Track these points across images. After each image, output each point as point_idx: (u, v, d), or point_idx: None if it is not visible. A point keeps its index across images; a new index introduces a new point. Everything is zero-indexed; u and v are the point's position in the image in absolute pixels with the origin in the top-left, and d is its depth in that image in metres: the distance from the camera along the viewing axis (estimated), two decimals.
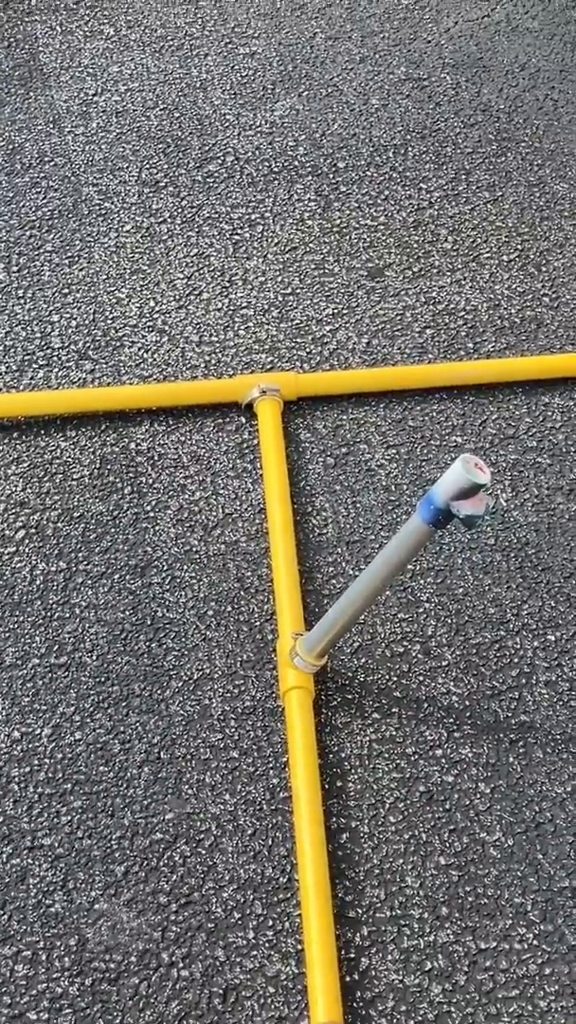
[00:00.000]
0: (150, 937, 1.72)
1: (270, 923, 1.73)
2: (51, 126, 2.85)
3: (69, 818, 1.83)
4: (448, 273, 2.56)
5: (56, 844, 1.80)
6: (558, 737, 1.91)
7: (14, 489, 2.21)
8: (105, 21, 3.09)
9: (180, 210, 2.68)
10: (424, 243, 2.62)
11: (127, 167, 2.76)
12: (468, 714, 1.94)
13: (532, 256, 2.59)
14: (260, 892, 1.76)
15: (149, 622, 2.04)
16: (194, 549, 2.13)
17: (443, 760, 1.89)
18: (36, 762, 1.88)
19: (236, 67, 2.99)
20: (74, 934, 1.72)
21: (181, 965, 1.70)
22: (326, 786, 1.85)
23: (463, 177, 2.75)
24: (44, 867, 1.78)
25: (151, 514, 2.18)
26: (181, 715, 1.93)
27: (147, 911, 1.74)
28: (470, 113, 2.90)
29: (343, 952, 1.70)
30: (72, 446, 2.27)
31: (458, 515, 1.66)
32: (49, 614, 2.04)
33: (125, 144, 2.81)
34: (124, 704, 1.94)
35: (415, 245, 2.62)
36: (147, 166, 2.77)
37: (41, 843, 1.80)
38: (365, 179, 2.75)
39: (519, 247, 2.61)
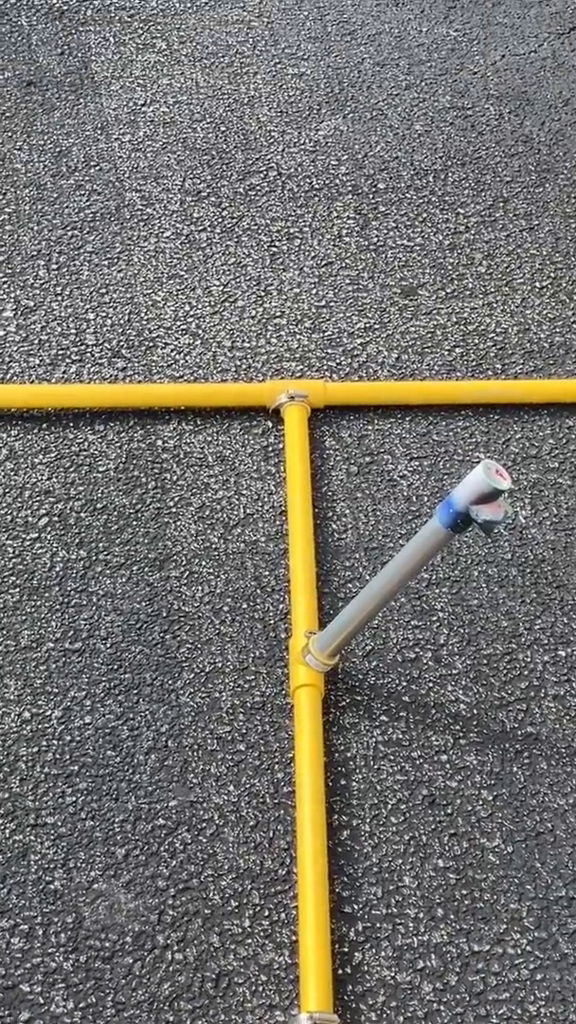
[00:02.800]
0: (146, 919, 1.73)
1: (266, 913, 1.74)
2: (99, 132, 2.90)
3: (74, 799, 1.84)
4: (480, 296, 2.59)
5: (59, 823, 1.82)
6: (563, 750, 1.91)
7: (40, 478, 2.24)
8: (158, 35, 3.14)
9: (220, 220, 2.72)
10: (459, 266, 2.65)
11: (171, 176, 2.81)
12: (475, 722, 1.95)
13: (565, 284, 2.62)
14: (258, 882, 1.77)
15: (164, 614, 2.06)
16: (213, 546, 2.16)
17: (447, 765, 1.90)
18: (44, 743, 1.90)
19: (284, 86, 3.03)
20: (71, 912, 1.74)
21: (176, 948, 1.71)
22: (330, 783, 1.87)
23: (501, 204, 2.79)
24: (46, 845, 1.80)
25: (173, 510, 2.21)
26: (191, 706, 1.95)
27: (145, 894, 1.76)
28: (511, 143, 2.93)
29: (337, 946, 1.71)
30: (99, 440, 2.30)
31: (477, 520, 1.68)
32: (66, 600, 2.07)
33: (170, 154, 2.86)
34: (135, 692, 1.96)
35: (449, 267, 2.65)
36: (190, 176, 2.81)
37: (45, 821, 1.82)
38: (404, 201, 2.79)
39: (552, 275, 2.64)
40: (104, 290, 2.57)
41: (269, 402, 2.34)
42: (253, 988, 1.68)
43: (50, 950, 1.70)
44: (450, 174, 2.85)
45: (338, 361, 2.46)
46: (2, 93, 2.97)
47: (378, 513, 2.22)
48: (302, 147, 2.90)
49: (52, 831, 1.81)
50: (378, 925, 1.73)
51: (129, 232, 2.69)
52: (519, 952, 1.71)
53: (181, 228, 2.70)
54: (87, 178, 2.79)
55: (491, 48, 3.19)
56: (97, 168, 2.81)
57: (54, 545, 2.14)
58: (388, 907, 1.75)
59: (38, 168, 2.80)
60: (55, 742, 1.90)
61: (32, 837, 1.80)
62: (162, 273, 2.61)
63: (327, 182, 2.82)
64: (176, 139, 2.90)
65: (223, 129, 2.93)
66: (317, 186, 2.81)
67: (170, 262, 2.63)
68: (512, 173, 2.86)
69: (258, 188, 2.80)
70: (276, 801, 1.85)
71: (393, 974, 1.69)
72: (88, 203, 2.74)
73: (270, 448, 2.31)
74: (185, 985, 1.68)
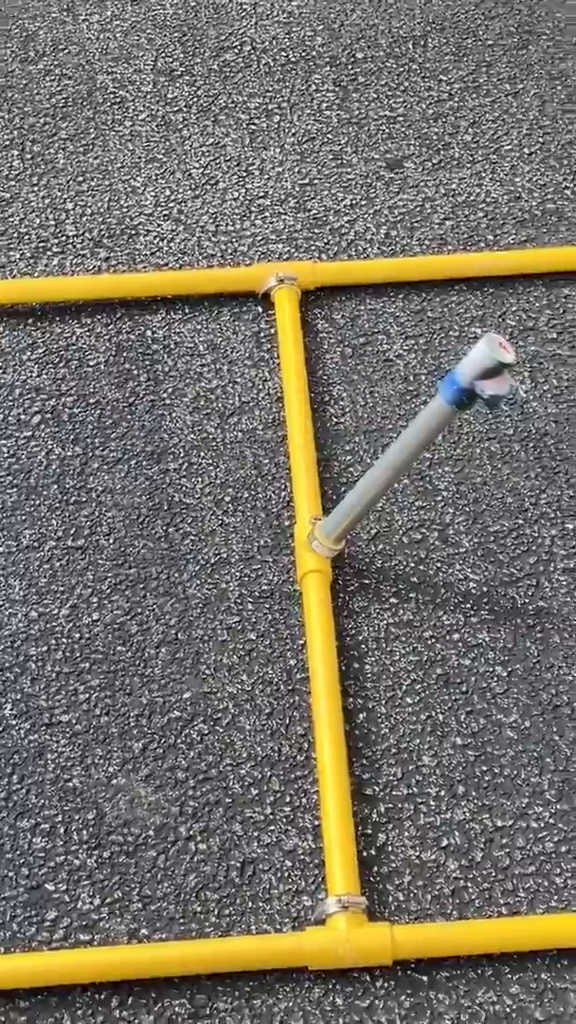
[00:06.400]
0: (168, 812, 1.73)
1: (287, 799, 1.74)
2: (65, 14, 2.79)
3: (87, 696, 1.83)
4: (468, 165, 2.52)
5: (74, 721, 1.81)
6: (575, 623, 1.90)
7: (29, 375, 2.19)
8: None
9: (196, 99, 2.64)
10: (444, 135, 2.58)
11: (142, 56, 2.71)
12: (485, 600, 1.93)
13: (553, 149, 2.55)
14: (277, 769, 1.76)
15: (166, 507, 2.03)
16: (211, 436, 2.12)
17: (460, 644, 1.89)
18: (53, 641, 1.88)
19: None
20: (92, 808, 1.73)
21: (199, 839, 1.71)
22: (343, 668, 1.85)
23: (484, 69, 2.71)
24: (62, 743, 1.79)
25: (167, 401, 2.16)
26: (198, 598, 1.93)
27: (165, 786, 1.75)
28: (491, 5, 2.84)
29: (360, 828, 1.71)
30: (87, 333, 2.25)
31: (482, 395, 1.64)
32: (65, 498, 2.04)
33: (140, 32, 2.76)
34: (141, 586, 1.94)
35: (434, 137, 2.58)
36: (162, 55, 2.72)
37: (59, 720, 1.81)
38: (384, 70, 2.70)
39: (540, 140, 2.57)
40: (81, 178, 2.49)
41: (258, 286, 2.29)
42: (279, 874, 1.68)
43: (73, 848, 1.70)
44: (430, 40, 2.76)
45: (326, 240, 2.40)
46: None
47: (376, 395, 2.18)
48: (275, 19, 2.80)
49: (67, 729, 1.80)
50: (400, 805, 1.74)
51: (103, 116, 2.60)
52: (542, 825, 1.71)
53: (156, 110, 2.62)
54: (56, 63, 2.70)
55: None
56: (65, 52, 2.72)
57: (49, 443, 2.10)
58: (409, 787, 1.75)
59: (4, 54, 2.70)
60: (64, 640, 1.88)
61: (47, 736, 1.79)
62: (139, 158, 2.53)
63: (303, 55, 2.73)
64: (145, 17, 2.79)
65: (193, 4, 2.82)
66: (293, 59, 2.72)
67: (147, 146, 2.55)
68: (494, 36, 2.77)
69: (233, 64, 2.71)
70: (290, 688, 1.84)
71: (418, 853, 1.70)
72: (59, 88, 2.65)
73: (262, 334, 2.26)
74: (210, 875, 1.68)
